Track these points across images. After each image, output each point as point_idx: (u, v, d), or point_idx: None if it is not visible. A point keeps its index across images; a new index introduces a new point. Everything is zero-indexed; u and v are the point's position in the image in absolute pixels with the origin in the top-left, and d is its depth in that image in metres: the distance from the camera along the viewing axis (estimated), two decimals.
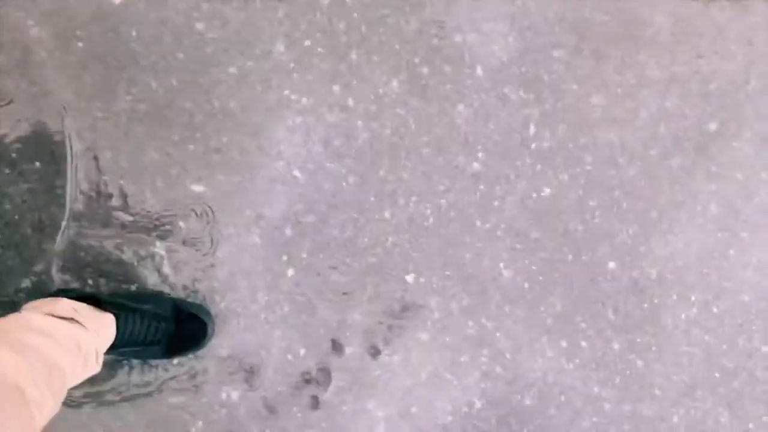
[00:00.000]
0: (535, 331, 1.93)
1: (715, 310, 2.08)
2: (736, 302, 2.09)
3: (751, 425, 2.12)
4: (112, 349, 1.43)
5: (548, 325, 1.94)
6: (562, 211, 1.94)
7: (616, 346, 1.99)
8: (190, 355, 1.65)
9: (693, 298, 2.05)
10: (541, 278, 1.96)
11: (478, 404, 1.87)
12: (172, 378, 1.74)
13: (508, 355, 1.89)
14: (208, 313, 1.63)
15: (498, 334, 1.89)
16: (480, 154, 1.87)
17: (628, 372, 2.01)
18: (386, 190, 1.77)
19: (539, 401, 1.94)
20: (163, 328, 1.54)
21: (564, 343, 1.95)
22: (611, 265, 1.98)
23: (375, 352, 1.76)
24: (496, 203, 1.88)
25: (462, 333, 1.85)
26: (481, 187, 1.87)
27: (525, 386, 1.92)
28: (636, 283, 2.00)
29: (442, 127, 1.83)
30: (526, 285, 1.94)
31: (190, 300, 1.62)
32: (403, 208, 1.78)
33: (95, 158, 1.61)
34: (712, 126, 2.10)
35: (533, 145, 1.92)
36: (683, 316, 2.05)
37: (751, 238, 2.11)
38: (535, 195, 1.92)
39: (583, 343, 1.97)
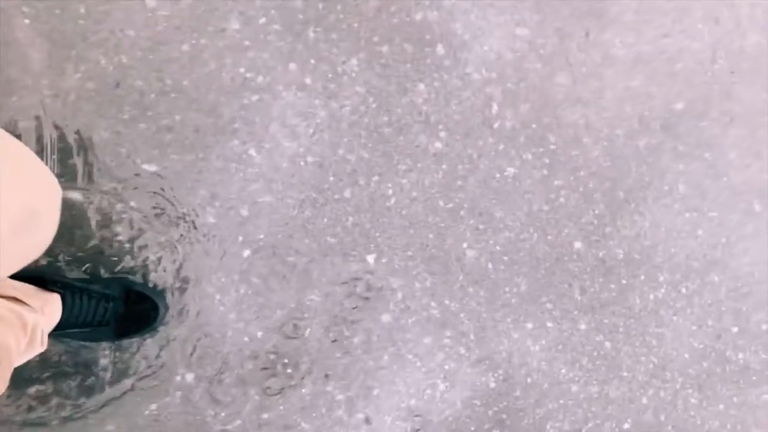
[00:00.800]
0: (500, 312, 1.84)
1: (683, 290, 1.99)
2: (705, 282, 2.01)
3: (721, 406, 2.03)
4: (59, 329, 1.34)
5: (513, 305, 1.85)
6: (526, 191, 1.85)
7: (583, 326, 1.90)
8: (142, 337, 1.54)
9: (661, 279, 1.96)
10: (505, 258, 1.87)
11: (441, 386, 1.77)
12: (127, 360, 1.65)
13: (472, 337, 1.80)
14: (160, 294, 1.56)
15: (461, 315, 1.79)
16: (442, 134, 1.78)
17: (595, 353, 1.92)
18: (346, 169, 1.68)
19: (504, 383, 1.85)
20: (112, 308, 1.44)
21: (529, 324, 1.86)
22: (577, 245, 1.89)
23: (335, 334, 1.67)
24: (458, 183, 1.79)
25: (425, 314, 1.76)
26: (444, 166, 1.78)
27: (490, 368, 1.82)
28: (603, 264, 1.91)
29: (402, 106, 1.74)
30: (490, 265, 1.85)
31: (140, 281, 1.51)
32: (363, 187, 1.69)
33: (42, 137, 1.52)
34: (679, 105, 2.01)
35: (496, 125, 1.83)
36: (652, 296, 1.96)
37: (720, 218, 2.02)
38: (498, 175, 1.83)
39: (549, 324, 1.88)
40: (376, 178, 1.72)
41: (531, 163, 1.88)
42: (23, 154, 0.79)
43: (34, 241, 0.79)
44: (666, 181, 2.01)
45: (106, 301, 1.43)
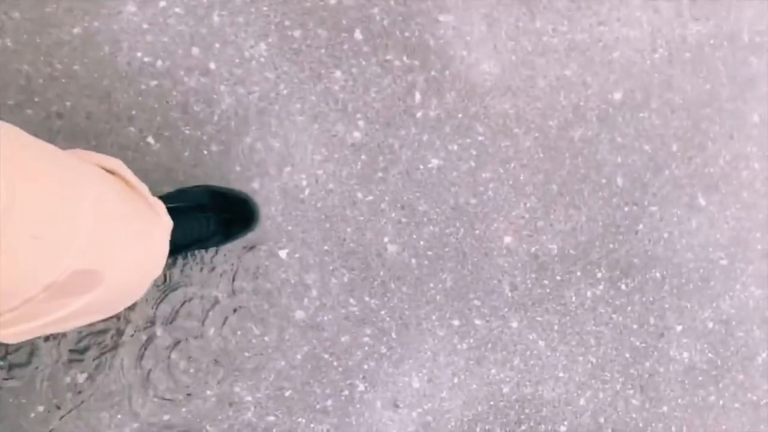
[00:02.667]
0: (424, 310, 1.61)
1: (623, 287, 1.75)
2: (646, 279, 1.77)
3: (665, 408, 1.78)
4: (178, 251, 1.31)
5: (438, 302, 1.62)
6: (452, 183, 1.62)
7: (515, 324, 1.67)
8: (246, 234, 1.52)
9: (599, 275, 1.72)
10: (429, 253, 1.64)
11: (360, 387, 1.53)
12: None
13: (393, 335, 1.57)
14: (243, 192, 1.48)
15: (382, 313, 1.56)
16: (360, 123, 1.56)
17: (528, 352, 1.68)
18: (254, 159, 1.46)
19: (429, 384, 1.62)
20: (213, 217, 1.38)
21: (456, 322, 1.63)
22: (507, 239, 1.66)
23: (244, 333, 1.44)
24: (379, 174, 1.56)
25: (343, 311, 1.53)
26: (363, 157, 1.55)
27: (413, 368, 1.59)
28: (535, 259, 1.68)
29: (317, 94, 1.52)
30: (414, 260, 1.62)
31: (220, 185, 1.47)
32: (274, 178, 1.47)
33: None
34: (617, 95, 1.78)
35: (419, 114, 1.60)
36: (589, 293, 1.72)
37: (662, 212, 1.78)
38: (422, 166, 1.60)
39: (478, 322, 1.64)
40: (288, 168, 1.50)
41: (457, 155, 1.65)
42: None
43: None
44: (603, 174, 1.77)
45: (202, 211, 1.35)
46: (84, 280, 0.71)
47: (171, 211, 1.16)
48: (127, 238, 0.87)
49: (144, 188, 1.02)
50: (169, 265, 1.46)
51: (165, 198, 1.28)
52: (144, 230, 0.94)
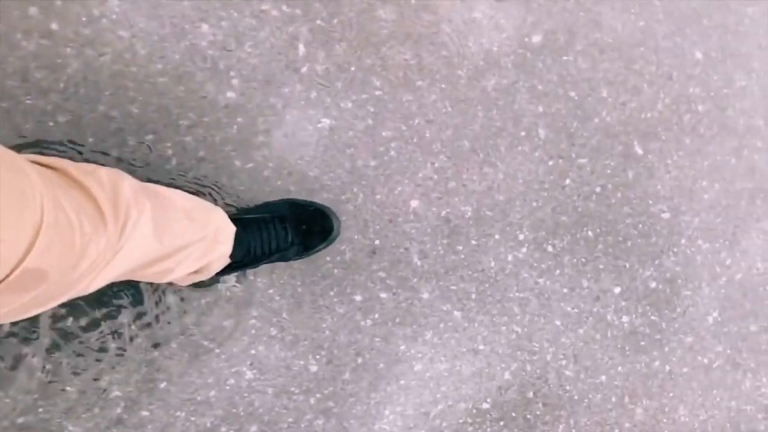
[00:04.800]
0: (320, 285, 1.34)
1: (550, 249, 1.44)
2: (577, 239, 1.46)
3: (603, 377, 1.47)
4: (256, 262, 1.27)
5: (337, 276, 1.33)
6: (347, 145, 1.32)
7: (425, 295, 1.37)
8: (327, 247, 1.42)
9: (521, 237, 1.41)
10: None
11: (248, 374, 1.25)
12: None
13: (285, 315, 1.28)
14: (324, 206, 1.40)
15: (271, 291, 1.27)
16: (234, 82, 1.26)
17: (442, 325, 1.38)
18: (110, 127, 1.16)
19: (329, 366, 1.37)
20: (292, 228, 1.33)
21: (358, 297, 1.35)
22: (414, 204, 1.35)
23: (111, 326, 1.17)
24: (260, 138, 1.26)
25: (225, 293, 1.27)
26: (239, 119, 1.26)
27: (311, 349, 1.32)
28: (447, 223, 1.38)
29: (181, 51, 1.22)
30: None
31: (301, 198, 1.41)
32: (134, 147, 1.18)
33: None
34: (536, 38, 1.45)
35: (304, 69, 1.29)
36: (510, 257, 1.41)
37: (592, 164, 1.46)
38: (310, 127, 1.30)
39: (383, 295, 1.35)
40: (150, 137, 1.20)
41: (352, 112, 1.34)
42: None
43: None
44: (522, 126, 1.45)
45: (281, 222, 1.30)
46: (31, 278, 0.68)
47: (249, 222, 1.24)
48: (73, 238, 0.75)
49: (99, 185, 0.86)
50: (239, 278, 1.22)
51: (245, 209, 1.30)
52: (88, 232, 0.79)
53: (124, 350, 1.29)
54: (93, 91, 1.28)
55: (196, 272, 1.13)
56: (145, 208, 0.91)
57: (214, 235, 1.10)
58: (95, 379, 1.28)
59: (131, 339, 1.29)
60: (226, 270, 1.19)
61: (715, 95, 1.70)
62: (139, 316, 1.29)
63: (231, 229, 1.15)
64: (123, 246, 0.86)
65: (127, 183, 0.90)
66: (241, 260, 1.24)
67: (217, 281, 1.33)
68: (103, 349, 1.28)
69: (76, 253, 0.76)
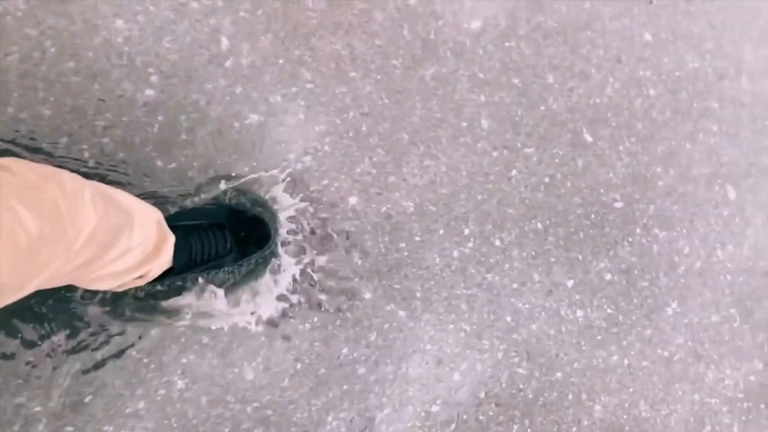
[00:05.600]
0: (255, 287, 1.22)
1: (498, 243, 1.35)
2: (526, 231, 1.39)
3: (558, 374, 1.39)
4: (192, 269, 1.22)
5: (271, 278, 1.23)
6: (277, 141, 1.23)
7: (368, 296, 1.28)
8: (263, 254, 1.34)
9: (467, 231, 1.33)
10: None
11: (180, 384, 1.17)
12: None
13: (221, 324, 1.19)
14: (260, 211, 1.34)
15: (205, 296, 1.18)
16: (153, 78, 1.17)
17: (386, 325, 1.30)
18: (20, 130, 1.07)
19: (266, 373, 1.30)
20: (230, 235, 1.27)
21: (296, 299, 1.24)
22: (352, 200, 1.26)
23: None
24: (183, 137, 1.17)
25: (153, 301, 1.17)
26: (160, 118, 1.17)
27: (243, 357, 1.26)
28: (387, 220, 1.29)
29: (94, 48, 1.13)
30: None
31: (242, 202, 1.35)
32: (50, 149, 1.07)
33: None
34: (475, 24, 1.37)
35: (228, 63, 1.21)
36: (456, 253, 1.33)
37: (540, 153, 1.37)
38: (237, 124, 1.21)
39: (322, 297, 1.25)
40: (64, 139, 1.11)
41: (281, 107, 1.25)
42: None
43: None
44: (464, 116, 1.36)
45: (221, 229, 1.25)
46: None
47: (190, 228, 1.18)
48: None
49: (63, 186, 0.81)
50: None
51: (182, 214, 1.23)
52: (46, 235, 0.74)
53: (46, 363, 1.19)
54: (2, 92, 1.19)
55: (137, 278, 1.07)
56: (102, 214, 0.86)
57: (155, 242, 1.05)
58: (13, 394, 1.19)
59: (53, 352, 1.20)
60: (165, 275, 1.12)
61: (666, 78, 1.61)
62: (63, 328, 1.20)
63: (171, 237, 1.10)
64: (79, 250, 0.81)
65: (87, 189, 0.85)
66: (181, 267, 1.16)
67: (155, 287, 1.25)
68: (26, 363, 1.19)
69: (33, 259, 0.72)
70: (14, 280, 0.71)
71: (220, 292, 1.28)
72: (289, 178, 1.34)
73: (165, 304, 1.25)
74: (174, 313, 1.26)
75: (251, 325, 1.30)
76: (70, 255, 0.80)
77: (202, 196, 1.27)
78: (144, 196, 1.23)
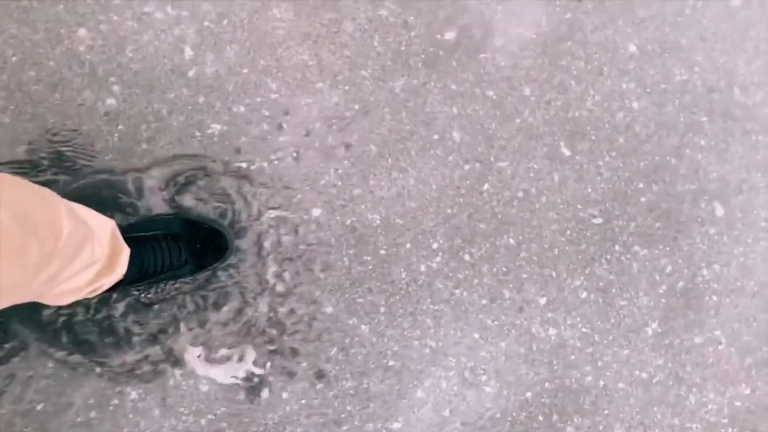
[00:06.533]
0: (215, 298, 1.20)
1: (467, 257, 1.31)
2: (497, 246, 1.35)
3: (528, 394, 1.34)
4: (143, 280, 1.21)
5: (232, 289, 1.21)
6: (239, 150, 1.20)
7: (329, 309, 1.25)
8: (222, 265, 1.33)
9: (435, 246, 1.29)
10: None
11: (133, 394, 1.15)
12: None
13: (179, 330, 1.17)
14: (217, 221, 1.33)
15: (156, 307, 1.16)
16: (115, 88, 1.16)
17: (348, 340, 1.26)
18: None
19: (219, 388, 1.22)
20: (185, 246, 1.26)
21: (254, 311, 1.21)
22: (316, 212, 1.23)
23: None
24: (143, 146, 1.15)
25: (98, 317, 1.16)
26: (120, 127, 1.15)
27: (199, 369, 1.20)
28: (352, 232, 1.26)
29: (56, 58, 1.13)
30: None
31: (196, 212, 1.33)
32: (9, 157, 1.07)
33: None
34: (449, 35, 1.33)
35: (191, 73, 1.19)
36: (423, 267, 1.29)
37: (514, 167, 1.33)
38: (198, 133, 1.18)
39: (282, 309, 1.24)
40: (23, 148, 1.10)
41: (245, 117, 1.23)
42: None
43: None
44: (435, 129, 1.32)
45: (175, 241, 1.24)
46: None
47: (143, 240, 1.17)
48: None
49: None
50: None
51: (136, 225, 1.23)
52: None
53: None
54: None
55: (90, 292, 1.06)
56: (73, 224, 0.86)
57: (110, 254, 1.04)
58: None
59: (4, 358, 1.19)
60: (116, 287, 1.13)
61: (651, 91, 1.54)
62: (14, 336, 1.19)
63: (126, 251, 1.09)
64: (50, 260, 0.80)
65: (62, 203, 0.86)
66: (133, 278, 1.14)
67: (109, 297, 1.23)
68: None
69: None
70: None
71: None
72: (251, 189, 1.31)
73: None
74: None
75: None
76: (42, 265, 0.78)
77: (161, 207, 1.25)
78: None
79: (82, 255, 0.90)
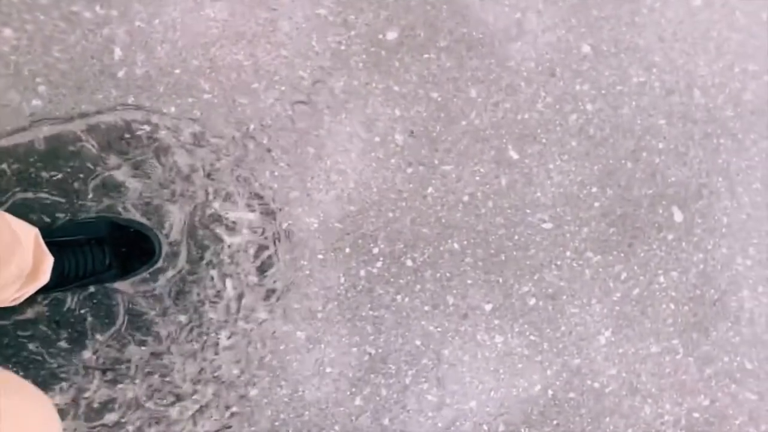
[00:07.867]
0: (146, 308, 1.16)
1: (409, 263, 1.28)
2: (440, 251, 1.34)
3: (473, 403, 1.28)
4: (65, 284, 1.16)
5: (158, 297, 1.16)
6: (169, 152, 1.14)
7: (263, 316, 1.21)
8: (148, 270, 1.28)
9: (375, 250, 1.27)
10: None
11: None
12: None
13: (100, 337, 1.12)
14: (144, 225, 1.28)
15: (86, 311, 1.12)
16: (41, 88, 1.11)
17: (282, 347, 1.23)
18: None
19: (150, 400, 1.17)
20: (110, 250, 1.21)
21: (182, 317, 1.16)
22: (250, 216, 1.18)
23: None
24: (70, 148, 1.10)
25: (53, 338, 1.12)
26: (45, 129, 1.09)
27: (128, 377, 1.15)
28: (287, 237, 1.23)
29: None
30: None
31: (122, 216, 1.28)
32: None
33: None
34: (391, 35, 1.27)
35: (121, 73, 1.15)
36: (362, 272, 1.30)
37: (459, 171, 1.27)
38: (128, 135, 1.13)
39: (213, 316, 1.18)
40: None
41: (175, 117, 1.16)
42: None
43: None
44: (376, 131, 1.26)
45: (99, 245, 1.18)
46: None
47: (64, 244, 1.13)
48: None
49: None
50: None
51: (59, 229, 1.19)
52: None
53: None
54: None
55: (11, 300, 1.03)
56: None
57: (34, 262, 1.00)
58: None
59: None
60: (38, 292, 1.10)
61: (606, 93, 1.46)
62: None
63: (50, 259, 1.05)
64: None
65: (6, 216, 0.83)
66: (54, 284, 1.09)
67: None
68: None
69: None
70: None
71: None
72: (181, 193, 1.25)
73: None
74: None
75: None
76: None
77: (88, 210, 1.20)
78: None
79: (9, 268, 0.85)
